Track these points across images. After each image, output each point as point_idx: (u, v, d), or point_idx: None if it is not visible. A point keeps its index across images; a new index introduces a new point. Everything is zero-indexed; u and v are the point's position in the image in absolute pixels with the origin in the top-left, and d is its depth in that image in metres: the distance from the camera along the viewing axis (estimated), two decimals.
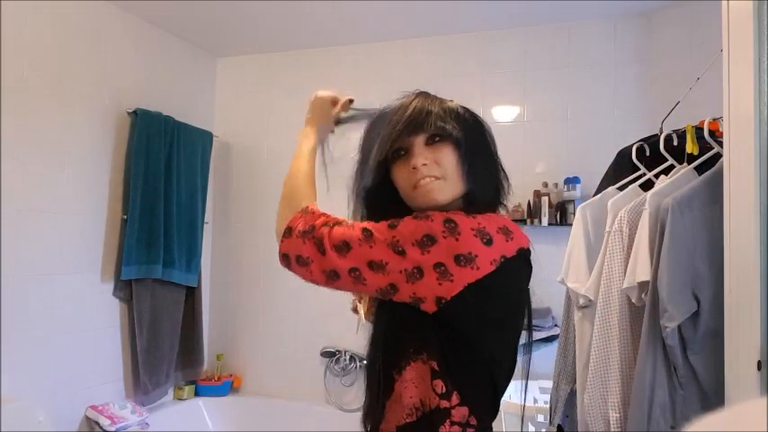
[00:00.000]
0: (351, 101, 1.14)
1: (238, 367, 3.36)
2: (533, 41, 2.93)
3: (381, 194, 0.97)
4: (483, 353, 0.88)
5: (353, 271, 0.85)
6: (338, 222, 0.90)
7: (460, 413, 0.86)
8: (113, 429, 2.48)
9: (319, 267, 0.87)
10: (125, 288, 2.75)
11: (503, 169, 1.00)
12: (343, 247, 0.86)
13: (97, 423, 2.49)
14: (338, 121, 1.14)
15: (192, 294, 3.12)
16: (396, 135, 0.92)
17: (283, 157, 3.48)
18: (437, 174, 0.91)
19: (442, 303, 0.83)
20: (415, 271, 0.83)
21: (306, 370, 3.19)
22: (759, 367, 1.21)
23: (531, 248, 0.93)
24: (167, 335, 2.92)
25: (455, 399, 0.86)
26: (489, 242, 0.84)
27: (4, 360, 2.21)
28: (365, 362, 1.01)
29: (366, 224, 0.88)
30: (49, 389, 2.40)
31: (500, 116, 2.99)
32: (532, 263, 0.94)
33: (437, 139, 0.92)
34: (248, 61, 3.46)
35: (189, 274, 3.02)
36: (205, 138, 3.20)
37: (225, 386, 3.24)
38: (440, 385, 0.86)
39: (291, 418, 3.07)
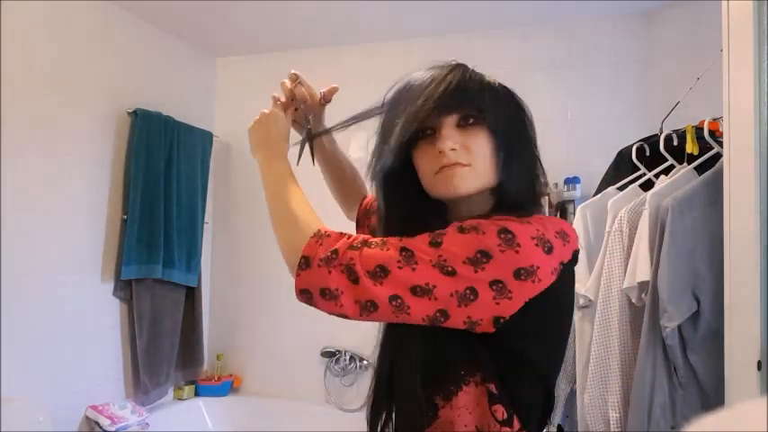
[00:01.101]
0: (296, 75, 1.01)
1: (238, 367, 3.36)
2: (533, 41, 2.93)
3: (400, 178, 0.85)
4: (541, 369, 0.80)
5: (394, 299, 0.73)
6: (366, 242, 0.77)
7: None
8: (113, 429, 2.48)
9: (352, 298, 0.74)
10: (125, 288, 2.75)
11: (540, 161, 0.87)
12: (380, 272, 0.73)
13: (97, 423, 2.49)
14: (312, 135, 1.03)
15: (192, 294, 3.11)
16: (425, 113, 0.78)
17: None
18: (465, 160, 0.79)
19: (500, 324, 0.73)
20: (468, 292, 0.71)
21: (306, 370, 3.19)
22: (759, 367, 1.21)
23: (579, 248, 0.83)
24: (167, 335, 2.92)
25: (516, 424, 0.76)
26: (550, 250, 0.74)
27: (4, 360, 2.20)
28: (384, 378, 0.86)
29: (403, 241, 0.76)
30: (49, 389, 2.40)
31: None
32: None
33: (470, 121, 0.80)
34: (248, 61, 3.46)
35: (189, 274, 3.02)
36: (205, 138, 3.20)
37: (225, 386, 3.24)
38: (500, 411, 0.75)
39: (291, 418, 3.07)
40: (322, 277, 0.75)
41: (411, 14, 2.83)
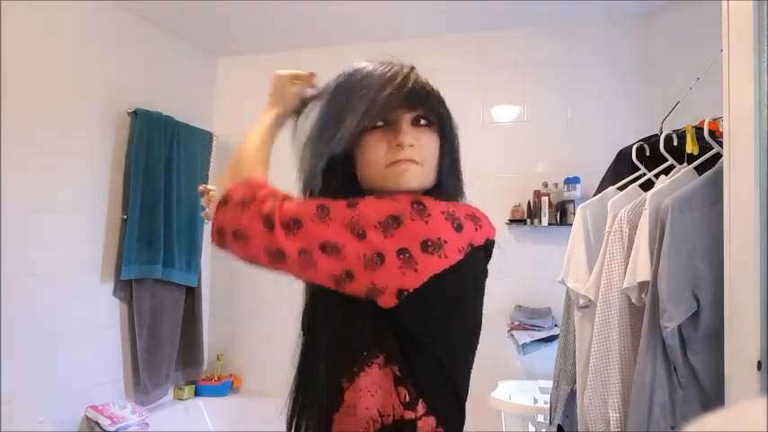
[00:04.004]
0: (313, 74, 1.03)
1: (238, 367, 3.36)
2: (533, 41, 2.93)
3: (339, 164, 0.85)
4: (442, 353, 0.79)
5: (303, 253, 0.74)
6: (288, 197, 0.79)
7: (428, 424, 0.76)
8: (113, 429, 2.48)
9: (263, 245, 0.75)
10: (125, 288, 2.75)
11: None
12: (293, 224, 0.75)
13: (97, 423, 2.49)
14: (304, 101, 1.03)
15: (192, 294, 3.12)
16: (395, 103, 0.81)
17: (284, 157, 3.47)
18: (418, 158, 0.82)
19: (404, 296, 0.73)
20: (375, 257, 0.72)
21: None
22: (759, 367, 1.21)
23: (495, 240, 0.85)
24: (167, 335, 2.92)
25: (421, 408, 0.75)
26: (459, 228, 0.76)
27: (4, 360, 2.20)
28: (298, 368, 0.90)
29: (321, 200, 0.78)
30: (49, 389, 2.40)
31: (500, 116, 2.99)
32: (492, 253, 0.86)
33: (423, 122, 0.84)
34: (248, 61, 3.46)
35: (189, 274, 3.02)
36: (205, 137, 3.20)
37: (225, 386, 3.24)
38: (403, 393, 0.75)
39: None
40: (235, 218, 0.78)
41: (411, 14, 2.83)
